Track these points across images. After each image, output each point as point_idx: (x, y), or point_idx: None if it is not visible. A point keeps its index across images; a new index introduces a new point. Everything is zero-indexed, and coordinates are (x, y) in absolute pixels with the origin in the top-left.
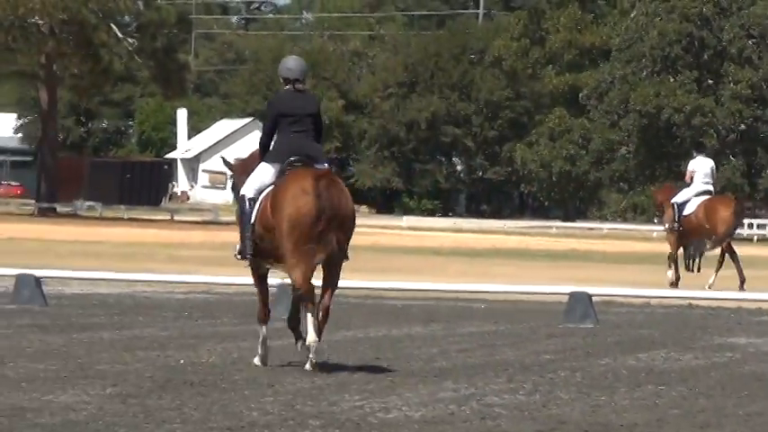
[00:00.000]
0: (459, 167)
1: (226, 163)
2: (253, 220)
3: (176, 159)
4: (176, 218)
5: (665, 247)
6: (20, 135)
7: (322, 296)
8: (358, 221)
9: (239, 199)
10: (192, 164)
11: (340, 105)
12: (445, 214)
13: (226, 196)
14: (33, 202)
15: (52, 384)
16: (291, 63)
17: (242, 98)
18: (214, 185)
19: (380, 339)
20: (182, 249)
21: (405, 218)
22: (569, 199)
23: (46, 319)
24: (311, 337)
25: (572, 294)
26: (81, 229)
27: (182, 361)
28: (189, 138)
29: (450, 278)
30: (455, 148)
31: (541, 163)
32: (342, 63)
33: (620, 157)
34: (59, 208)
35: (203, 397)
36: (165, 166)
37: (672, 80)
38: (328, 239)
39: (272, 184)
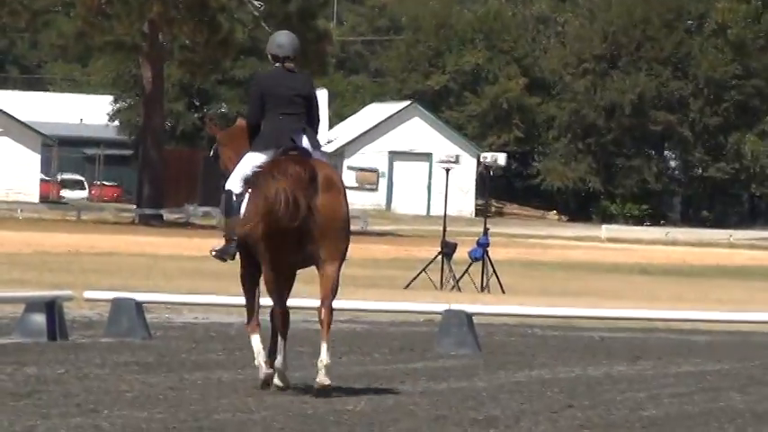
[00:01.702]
0: (672, 163)
1: (210, 124)
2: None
3: None
4: None
5: None
6: (116, 123)
7: (319, 309)
8: (545, 231)
9: (225, 193)
10: (335, 159)
11: (521, 85)
12: (655, 222)
13: (377, 199)
14: (134, 207)
15: None
16: (282, 39)
17: (397, 76)
18: (362, 186)
19: (573, 381)
20: None
21: (604, 227)
22: None
23: (150, 354)
24: (278, 360)
25: None
26: (193, 241)
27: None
28: (330, 126)
29: (662, 303)
30: (668, 139)
31: None
32: (524, 32)
33: None
34: (166, 215)
35: None
36: None
37: None
38: (305, 237)
39: None
